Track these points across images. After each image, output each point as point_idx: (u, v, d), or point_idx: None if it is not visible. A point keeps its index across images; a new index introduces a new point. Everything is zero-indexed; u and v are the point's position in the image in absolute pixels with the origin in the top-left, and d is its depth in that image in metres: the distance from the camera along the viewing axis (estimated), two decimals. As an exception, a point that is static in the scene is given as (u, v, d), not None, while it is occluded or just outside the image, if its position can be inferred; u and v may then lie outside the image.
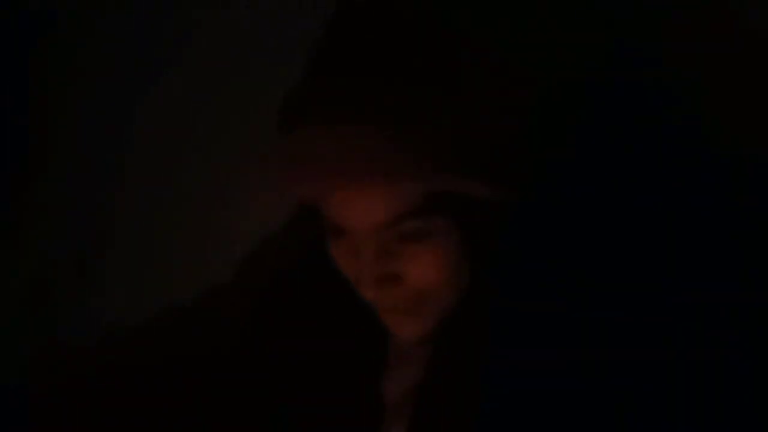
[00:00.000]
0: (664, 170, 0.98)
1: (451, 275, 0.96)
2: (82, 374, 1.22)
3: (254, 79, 1.22)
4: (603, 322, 0.92)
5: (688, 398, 0.90)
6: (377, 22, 0.92)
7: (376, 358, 1.06)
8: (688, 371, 0.90)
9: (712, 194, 0.97)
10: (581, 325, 0.92)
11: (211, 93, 1.24)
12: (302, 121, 0.93)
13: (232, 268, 1.23)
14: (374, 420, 1.04)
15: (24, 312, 1.28)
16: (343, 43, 0.93)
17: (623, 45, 1.05)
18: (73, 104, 1.27)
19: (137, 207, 1.27)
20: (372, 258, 0.94)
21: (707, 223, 0.96)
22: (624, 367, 0.90)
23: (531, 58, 0.96)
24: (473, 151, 0.90)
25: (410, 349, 1.03)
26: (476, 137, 0.90)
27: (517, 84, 0.93)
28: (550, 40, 1.00)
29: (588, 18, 1.04)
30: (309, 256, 1.10)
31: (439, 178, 0.90)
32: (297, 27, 1.14)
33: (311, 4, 1.13)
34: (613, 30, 1.05)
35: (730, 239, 0.96)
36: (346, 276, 1.00)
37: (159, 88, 1.25)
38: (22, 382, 1.25)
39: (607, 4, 1.05)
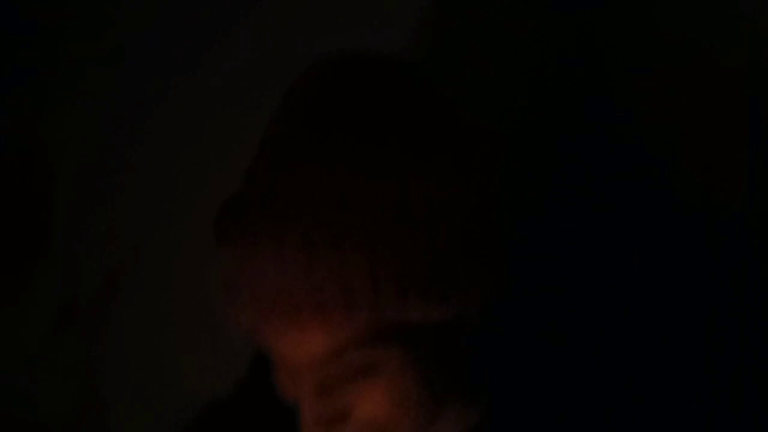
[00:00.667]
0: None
1: (410, 409, 0.83)
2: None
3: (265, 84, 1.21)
4: None
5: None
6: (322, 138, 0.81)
7: None
8: None
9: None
10: None
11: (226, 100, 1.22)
12: (241, 236, 0.82)
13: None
14: None
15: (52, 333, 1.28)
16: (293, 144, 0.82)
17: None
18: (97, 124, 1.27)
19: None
20: (312, 396, 0.82)
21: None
22: None
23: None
24: (433, 274, 0.79)
25: None
26: (433, 259, 0.80)
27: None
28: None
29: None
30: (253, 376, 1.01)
31: (400, 305, 0.79)
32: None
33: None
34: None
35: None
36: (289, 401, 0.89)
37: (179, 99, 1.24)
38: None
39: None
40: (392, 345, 0.81)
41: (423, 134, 0.81)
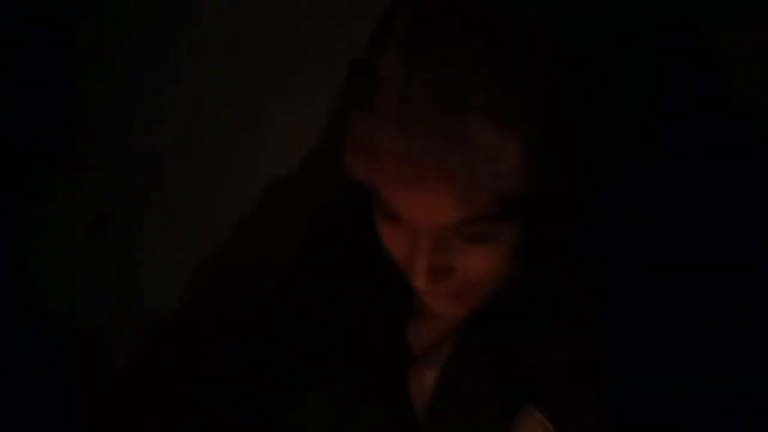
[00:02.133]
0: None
1: (507, 267, 0.93)
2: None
3: (280, 17, 1.26)
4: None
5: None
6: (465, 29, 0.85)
7: (403, 305, 1.07)
8: None
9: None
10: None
11: (237, 33, 1.28)
12: (372, 107, 0.86)
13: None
14: (403, 364, 1.06)
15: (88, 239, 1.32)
16: (428, 33, 0.86)
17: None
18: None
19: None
20: (429, 252, 0.89)
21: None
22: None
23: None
24: (547, 156, 0.86)
25: None
26: (549, 143, 0.86)
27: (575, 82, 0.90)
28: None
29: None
30: (341, 205, 1.10)
31: (521, 178, 0.86)
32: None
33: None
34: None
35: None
36: (392, 255, 0.96)
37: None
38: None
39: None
40: (512, 219, 0.88)
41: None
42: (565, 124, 0.88)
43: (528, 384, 0.96)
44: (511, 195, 0.85)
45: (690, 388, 0.92)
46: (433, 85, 0.83)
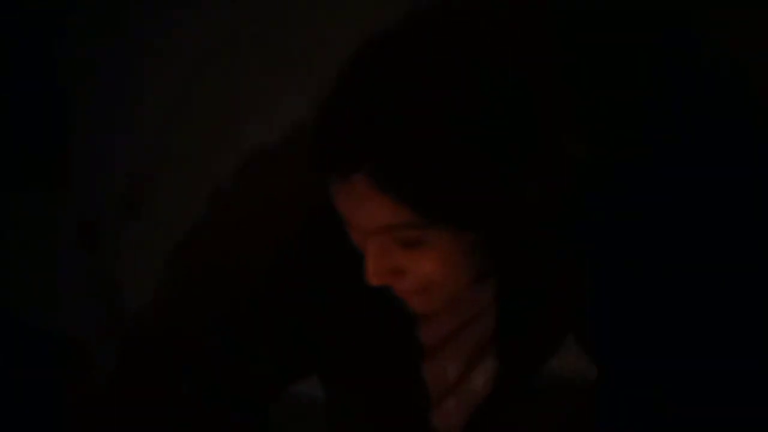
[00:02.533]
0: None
1: (456, 269, 1.00)
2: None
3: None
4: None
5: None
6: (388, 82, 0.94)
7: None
8: None
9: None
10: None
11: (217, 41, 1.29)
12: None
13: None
14: (415, 361, 1.09)
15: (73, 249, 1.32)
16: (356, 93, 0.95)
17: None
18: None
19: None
20: (372, 255, 0.98)
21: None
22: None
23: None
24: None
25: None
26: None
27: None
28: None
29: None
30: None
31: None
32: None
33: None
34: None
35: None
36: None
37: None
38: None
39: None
40: (440, 227, 0.95)
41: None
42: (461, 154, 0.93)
43: None
44: (431, 205, 0.93)
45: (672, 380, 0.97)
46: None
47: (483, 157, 0.92)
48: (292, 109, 1.27)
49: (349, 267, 1.04)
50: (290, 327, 1.12)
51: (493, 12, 1.03)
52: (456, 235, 0.96)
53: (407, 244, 0.96)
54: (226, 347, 1.13)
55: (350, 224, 0.98)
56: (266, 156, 1.30)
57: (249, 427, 1.14)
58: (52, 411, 1.25)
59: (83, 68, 1.31)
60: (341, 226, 1.00)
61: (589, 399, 1.01)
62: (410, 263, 0.98)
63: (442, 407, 1.08)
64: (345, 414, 1.14)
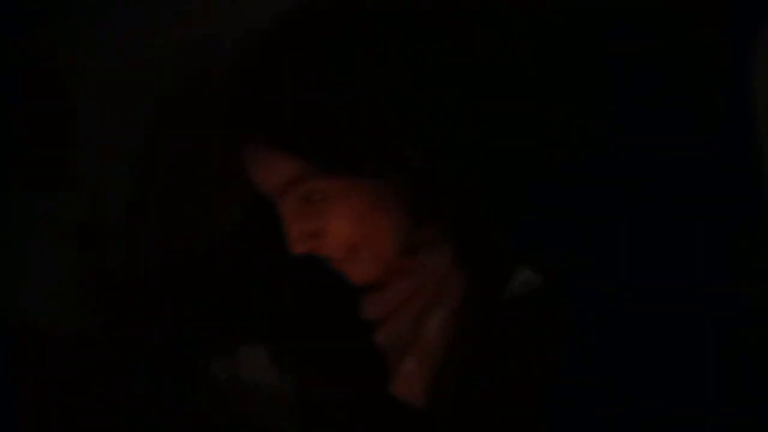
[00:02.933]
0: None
1: (377, 230, 1.04)
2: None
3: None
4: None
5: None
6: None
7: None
8: None
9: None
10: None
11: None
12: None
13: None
14: (378, 366, 1.10)
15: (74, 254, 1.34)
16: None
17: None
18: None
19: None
20: (288, 217, 1.05)
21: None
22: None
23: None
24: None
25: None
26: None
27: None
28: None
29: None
30: None
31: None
32: None
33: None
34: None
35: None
36: None
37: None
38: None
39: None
40: (334, 176, 1.02)
41: None
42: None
43: None
44: (314, 150, 1.01)
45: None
46: None
47: (348, 110, 0.99)
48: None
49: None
50: (235, 295, 1.18)
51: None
52: (355, 186, 1.02)
53: (315, 201, 1.03)
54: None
55: (264, 192, 1.05)
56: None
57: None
58: (51, 410, 1.28)
59: (86, 68, 1.33)
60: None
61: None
62: (325, 223, 1.03)
63: (401, 372, 1.08)
64: (305, 394, 1.18)
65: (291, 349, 1.17)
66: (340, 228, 1.03)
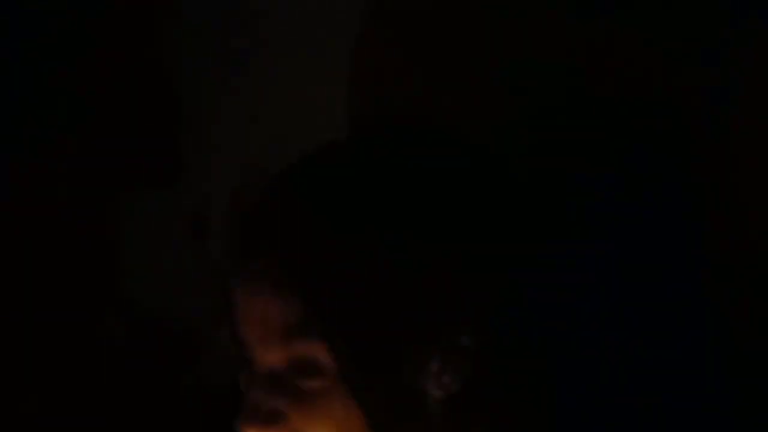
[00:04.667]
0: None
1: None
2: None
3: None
4: None
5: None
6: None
7: None
8: None
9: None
10: None
11: None
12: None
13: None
14: None
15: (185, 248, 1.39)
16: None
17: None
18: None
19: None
20: (262, 385, 0.87)
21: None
22: None
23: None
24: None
25: None
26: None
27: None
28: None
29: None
30: None
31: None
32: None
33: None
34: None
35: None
36: None
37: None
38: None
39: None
40: (317, 375, 0.85)
41: None
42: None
43: None
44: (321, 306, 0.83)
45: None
46: None
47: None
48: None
49: None
50: None
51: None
52: (338, 385, 0.84)
53: (302, 393, 0.85)
54: None
55: (244, 340, 0.88)
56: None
57: None
58: (168, 400, 1.35)
59: (191, 63, 1.35)
60: None
61: None
62: (298, 413, 0.85)
63: None
64: None
65: None
66: (311, 420, 0.85)
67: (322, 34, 1.29)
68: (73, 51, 1.36)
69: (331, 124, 1.31)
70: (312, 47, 1.30)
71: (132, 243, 1.40)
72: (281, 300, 0.84)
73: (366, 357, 0.83)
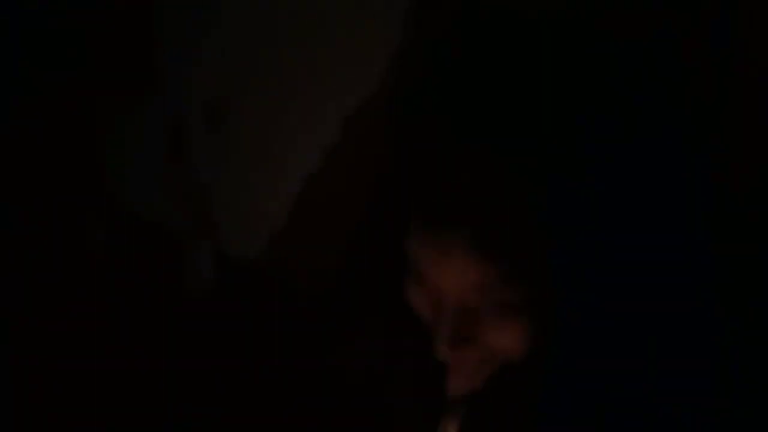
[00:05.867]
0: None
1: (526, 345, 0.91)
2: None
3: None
4: None
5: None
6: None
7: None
8: None
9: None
10: None
11: None
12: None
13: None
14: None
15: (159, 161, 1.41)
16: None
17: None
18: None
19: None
20: (455, 318, 0.90)
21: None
22: None
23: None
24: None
25: None
26: None
27: None
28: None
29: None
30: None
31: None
32: None
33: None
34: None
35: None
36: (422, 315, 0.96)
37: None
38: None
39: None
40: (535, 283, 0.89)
41: None
42: None
43: None
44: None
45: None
46: None
47: None
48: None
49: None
50: None
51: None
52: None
53: (498, 305, 0.89)
54: None
55: (425, 280, 0.92)
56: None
57: None
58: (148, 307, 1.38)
59: None
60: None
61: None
62: (493, 331, 0.90)
63: None
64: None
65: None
66: (506, 343, 0.91)
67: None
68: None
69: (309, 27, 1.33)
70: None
71: (112, 151, 1.41)
72: (482, 261, 0.88)
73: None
